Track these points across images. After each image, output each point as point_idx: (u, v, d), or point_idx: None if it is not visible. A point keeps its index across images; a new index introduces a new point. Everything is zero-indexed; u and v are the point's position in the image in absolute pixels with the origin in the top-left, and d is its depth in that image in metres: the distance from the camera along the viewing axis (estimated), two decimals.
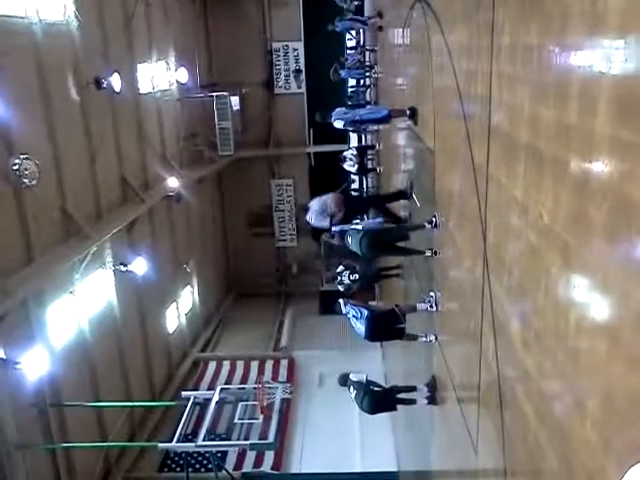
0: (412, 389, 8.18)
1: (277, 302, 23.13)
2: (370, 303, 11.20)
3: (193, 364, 17.97)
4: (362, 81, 18.08)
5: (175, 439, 10.03)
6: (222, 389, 11.19)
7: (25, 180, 9.45)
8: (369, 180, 18.74)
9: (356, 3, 18.17)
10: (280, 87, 22.39)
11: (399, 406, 8.46)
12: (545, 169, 3.13)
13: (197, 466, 13.21)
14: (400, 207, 9.98)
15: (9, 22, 9.68)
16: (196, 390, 14.58)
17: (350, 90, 18.51)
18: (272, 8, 21.66)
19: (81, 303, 11.44)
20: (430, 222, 6.98)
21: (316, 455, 13.85)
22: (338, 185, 19.50)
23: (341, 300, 7.85)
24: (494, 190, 4.23)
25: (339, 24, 15.96)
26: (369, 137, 18.16)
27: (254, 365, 17.62)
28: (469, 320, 5.16)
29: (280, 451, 13.43)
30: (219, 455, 12.20)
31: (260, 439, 10.27)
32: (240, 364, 17.69)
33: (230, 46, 21.30)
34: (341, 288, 10.26)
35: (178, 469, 13.27)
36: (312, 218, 9.53)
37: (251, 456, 13.38)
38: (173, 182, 15.86)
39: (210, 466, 12.26)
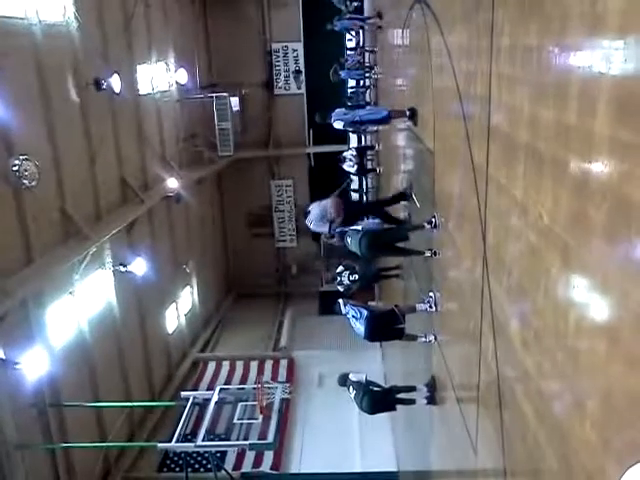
0: (411, 389, 8.19)
1: (277, 302, 23.13)
2: (370, 303, 11.18)
3: (192, 364, 17.97)
4: (362, 82, 18.09)
5: (174, 439, 10.03)
6: (221, 389, 11.19)
7: (25, 181, 9.46)
8: (369, 180, 18.74)
9: (355, 4, 18.18)
10: (280, 88, 22.40)
11: (398, 406, 8.47)
12: (545, 170, 3.13)
13: (196, 466, 13.21)
14: (400, 208, 9.99)
15: (9, 23, 9.69)
16: (195, 390, 14.58)
17: (350, 91, 18.52)
18: (272, 9, 21.67)
19: (80, 304, 11.44)
20: (430, 222, 6.99)
21: (315, 455, 13.85)
22: (338, 185, 19.60)
23: (341, 300, 7.85)
24: (494, 191, 4.23)
25: (338, 23, 15.97)
26: (369, 138, 18.17)
27: (253, 365, 17.62)
28: (468, 320, 5.17)
29: (279, 451, 13.43)
30: (218, 455, 12.19)
31: (259, 439, 10.27)
32: (239, 364, 17.69)
33: (230, 47, 21.31)
34: (341, 288, 10.26)
35: (177, 469, 13.26)
36: (312, 223, 9.56)
37: (250, 456, 13.38)
38: (173, 183, 15.86)
39: (209, 466, 12.27)
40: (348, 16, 16.73)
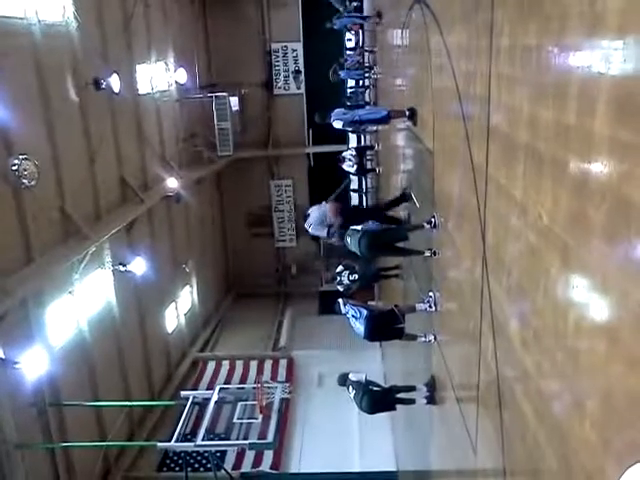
0: (411, 389, 8.20)
1: (276, 302, 23.12)
2: (369, 303, 11.18)
3: (192, 364, 17.97)
4: (361, 82, 18.08)
5: (174, 439, 10.04)
6: (221, 389, 11.20)
7: (24, 180, 9.45)
8: (368, 180, 18.74)
9: (355, 4, 18.18)
10: (279, 88, 22.39)
11: (398, 406, 8.48)
12: (544, 170, 3.14)
13: (196, 466, 13.21)
14: (399, 208, 9.98)
15: (8, 23, 9.68)
16: (195, 390, 14.58)
17: (349, 91, 18.51)
18: (271, 9, 21.66)
19: (80, 303, 11.44)
20: (429, 222, 6.99)
21: (315, 455, 13.85)
22: (337, 185, 19.60)
23: (340, 300, 7.86)
24: (493, 191, 4.23)
25: (337, 21, 15.97)
26: (368, 138, 18.17)
27: (253, 365, 17.62)
28: (468, 320, 5.17)
29: (279, 451, 13.43)
30: (218, 455, 12.21)
31: (259, 439, 10.30)
32: (239, 364, 17.69)
33: (229, 47, 21.29)
34: (340, 288, 10.26)
35: (177, 469, 13.25)
36: (310, 226, 9.60)
37: (250, 456, 13.38)
38: (172, 182, 15.86)
39: (209, 466, 12.27)
40: (346, 14, 16.75)
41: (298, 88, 22.32)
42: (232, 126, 19.67)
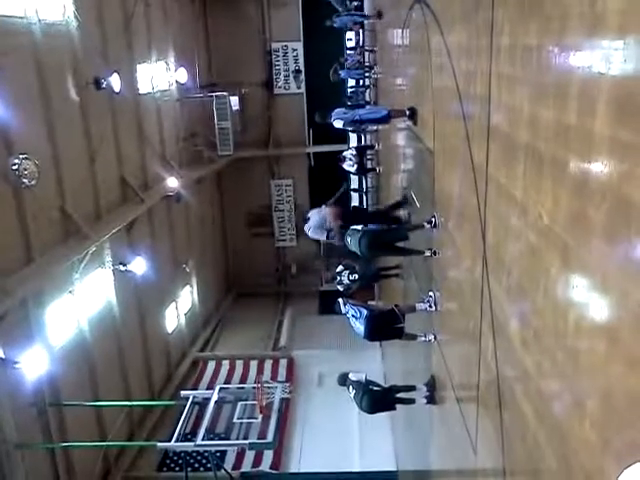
0: (411, 389, 8.19)
1: (276, 302, 23.13)
2: (369, 303, 11.19)
3: (192, 364, 17.97)
4: (361, 81, 18.09)
5: (174, 438, 10.05)
6: (221, 389, 11.21)
7: (24, 180, 9.45)
8: (368, 180, 18.74)
9: (355, 3, 18.18)
10: (279, 87, 22.39)
11: (398, 406, 8.47)
12: (544, 169, 3.13)
13: (196, 465, 13.21)
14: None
15: (8, 22, 9.68)
16: (195, 390, 14.58)
17: (349, 90, 18.50)
18: (271, 8, 21.67)
19: (80, 303, 11.44)
20: (429, 222, 6.99)
21: (315, 454, 13.85)
22: (338, 185, 19.60)
23: (340, 300, 7.86)
24: (493, 190, 4.23)
25: (337, 20, 15.97)
26: (368, 137, 18.16)
27: (253, 365, 17.62)
28: (468, 320, 5.17)
29: (279, 450, 13.43)
30: (218, 454, 12.21)
31: (259, 438, 10.29)
32: (239, 364, 17.70)
33: (229, 46, 21.30)
34: (340, 288, 10.26)
35: (177, 468, 13.25)
36: (310, 230, 9.63)
37: (250, 455, 13.39)
38: (172, 182, 15.86)
39: (209, 465, 12.28)
40: (346, 12, 16.75)
41: (298, 88, 22.32)
42: (232, 125, 19.68)
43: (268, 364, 17.73)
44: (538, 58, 3.22)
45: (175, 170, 16.51)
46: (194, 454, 12.78)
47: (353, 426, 14.16)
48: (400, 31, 9.82)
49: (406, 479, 11.80)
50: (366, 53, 18.04)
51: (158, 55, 16.24)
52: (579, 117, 2.68)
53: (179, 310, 17.61)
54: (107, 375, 12.57)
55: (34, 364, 9.06)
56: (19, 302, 9.40)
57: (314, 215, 9.64)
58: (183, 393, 11.44)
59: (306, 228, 9.73)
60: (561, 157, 2.89)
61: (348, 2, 17.96)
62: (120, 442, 12.88)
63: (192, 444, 10.12)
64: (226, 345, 19.60)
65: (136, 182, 14.18)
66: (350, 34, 18.89)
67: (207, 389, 14.03)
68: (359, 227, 7.82)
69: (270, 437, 9.93)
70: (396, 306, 7.75)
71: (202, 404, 11.06)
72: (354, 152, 14.97)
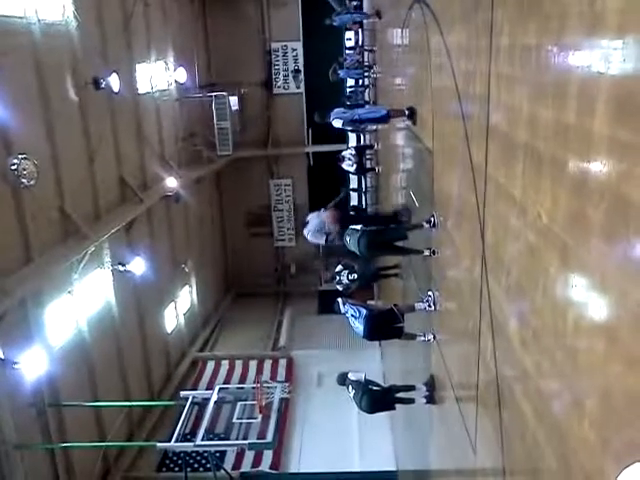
0: (411, 388, 8.20)
1: (276, 302, 23.13)
2: (369, 302, 11.19)
3: (191, 364, 17.97)
4: (361, 81, 18.10)
5: (174, 439, 10.04)
6: (221, 389, 11.20)
7: (23, 180, 9.45)
8: (368, 180, 18.76)
9: (355, 3, 18.18)
10: (279, 87, 22.39)
11: (398, 405, 8.48)
12: (543, 169, 3.13)
13: (196, 466, 13.21)
14: (399, 208, 9.99)
15: (8, 22, 9.67)
16: (194, 390, 14.59)
17: (349, 90, 18.53)
18: (271, 8, 21.66)
19: (79, 303, 11.43)
20: (428, 222, 6.99)
21: (315, 454, 13.85)
22: (337, 185, 19.59)
23: (340, 299, 7.86)
24: (492, 190, 4.23)
25: (337, 18, 15.97)
26: (368, 137, 18.17)
27: (252, 365, 17.62)
28: (467, 319, 5.17)
29: (279, 450, 13.43)
30: (218, 455, 12.21)
31: (258, 438, 10.28)
32: (239, 364, 17.70)
33: (229, 46, 21.29)
34: (340, 287, 10.26)
35: (177, 469, 13.26)
36: (309, 234, 9.65)
37: (250, 456, 13.38)
38: (172, 182, 15.86)
39: (209, 466, 12.28)
40: (346, 11, 16.75)
41: (298, 87, 22.32)
42: (231, 125, 19.67)
43: (267, 364, 17.74)
44: (537, 58, 3.22)
45: (174, 170, 16.50)
46: (194, 454, 12.78)
47: (353, 426, 14.16)
48: (399, 31, 9.82)
49: (406, 479, 11.80)
50: (365, 53, 18.05)
51: (157, 55, 16.23)
52: (578, 117, 2.68)
53: (178, 310, 17.61)
54: (106, 375, 12.56)
55: (33, 364, 9.06)
56: (18, 302, 9.40)
57: (313, 219, 9.65)
58: (182, 393, 11.43)
59: (305, 232, 9.75)
60: (560, 157, 2.89)
61: (347, 1, 17.96)
62: (119, 442, 12.88)
63: (192, 444, 10.11)
64: (225, 345, 19.59)
65: (135, 182, 14.17)
66: (349, 34, 18.93)
67: (206, 389, 14.03)
68: (358, 227, 7.80)
69: (269, 437, 9.92)
70: (395, 306, 7.76)
71: (201, 404, 11.06)
72: (353, 152, 14.99)
